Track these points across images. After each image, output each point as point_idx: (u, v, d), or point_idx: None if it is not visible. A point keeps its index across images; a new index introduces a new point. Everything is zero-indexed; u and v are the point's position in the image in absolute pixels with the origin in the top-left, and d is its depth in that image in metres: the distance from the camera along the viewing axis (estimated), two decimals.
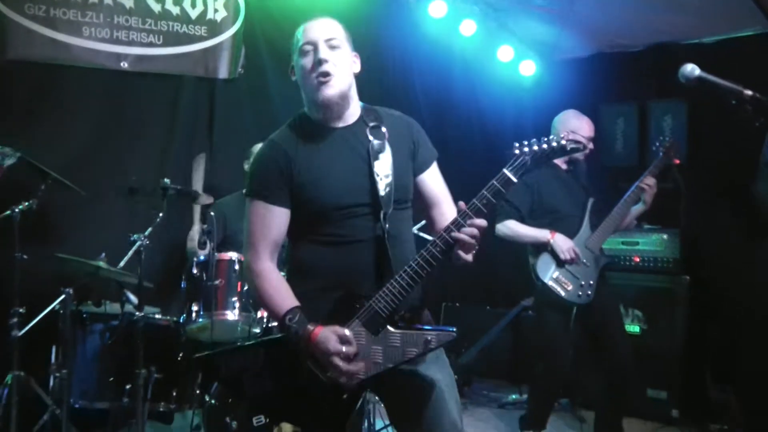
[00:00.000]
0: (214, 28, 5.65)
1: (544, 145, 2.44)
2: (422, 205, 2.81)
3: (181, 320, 4.49)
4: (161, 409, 4.56)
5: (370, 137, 2.66)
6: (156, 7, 5.39)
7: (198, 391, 4.53)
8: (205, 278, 4.39)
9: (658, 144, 4.80)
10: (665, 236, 5.67)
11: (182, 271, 4.58)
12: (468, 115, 7.49)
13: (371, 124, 2.70)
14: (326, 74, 2.59)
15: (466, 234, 2.40)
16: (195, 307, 4.40)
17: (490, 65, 7.10)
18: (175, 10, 5.47)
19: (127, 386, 4.40)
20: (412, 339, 2.45)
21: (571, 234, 4.67)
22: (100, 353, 4.61)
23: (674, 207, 5.18)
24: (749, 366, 5.29)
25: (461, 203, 2.42)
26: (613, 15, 6.39)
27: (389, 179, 2.60)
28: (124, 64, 5.26)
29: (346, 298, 2.52)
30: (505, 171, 2.42)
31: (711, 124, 5.81)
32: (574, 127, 4.81)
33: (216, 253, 4.43)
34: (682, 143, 4.96)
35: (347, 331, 2.44)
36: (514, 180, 2.42)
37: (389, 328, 2.47)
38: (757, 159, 5.39)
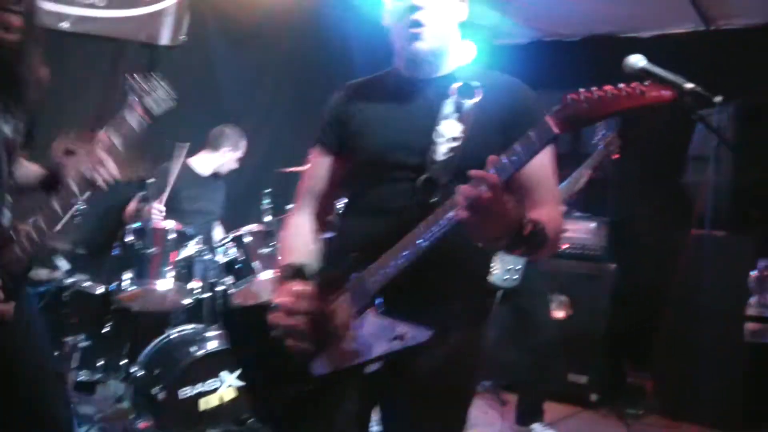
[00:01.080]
0: None
1: (613, 93, 1.70)
2: (517, 196, 2.03)
3: (112, 288, 4.42)
4: (85, 379, 4.50)
5: (453, 93, 2.13)
6: None
7: (125, 361, 4.48)
8: (139, 246, 4.35)
9: (598, 137, 4.87)
10: (593, 224, 5.80)
11: (116, 237, 4.51)
12: None
13: (463, 81, 2.16)
14: (418, 24, 2.12)
15: (465, 193, 1.74)
16: (127, 275, 4.35)
17: None
18: None
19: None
20: (384, 331, 2.00)
21: None
22: None
23: (604, 196, 5.32)
24: (666, 351, 5.49)
25: (491, 156, 1.80)
26: (553, 4, 6.50)
27: (457, 143, 2.07)
28: (65, 24, 5.13)
29: (348, 267, 2.10)
30: (548, 119, 1.77)
31: (642, 117, 5.94)
32: None
33: (152, 221, 4.39)
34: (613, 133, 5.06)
35: (300, 285, 2.10)
36: (556, 131, 1.76)
37: (370, 313, 2.03)
38: (686, 152, 5.60)
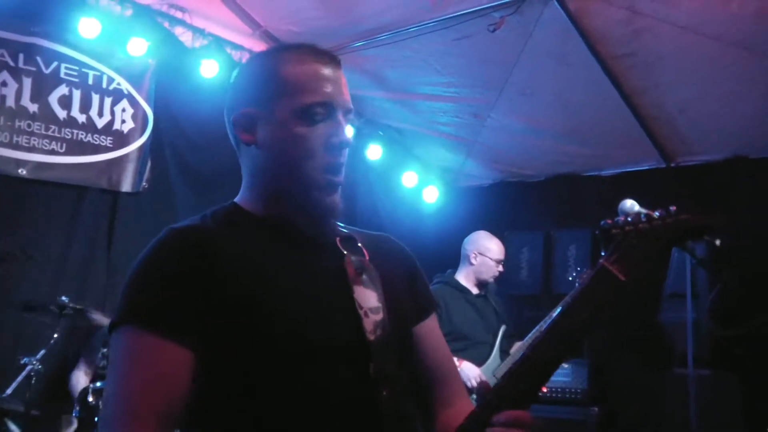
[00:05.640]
0: (121, 139, 5.42)
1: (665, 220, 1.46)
2: (419, 378, 1.73)
3: None
4: None
5: (343, 249, 1.63)
6: (61, 114, 5.12)
7: None
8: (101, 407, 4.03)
9: (575, 274, 4.79)
10: (572, 366, 5.63)
11: (76, 398, 4.20)
12: None
13: (341, 234, 1.68)
14: (340, 169, 1.60)
15: None
16: None
17: (394, 190, 7.09)
18: (81, 118, 5.22)
19: None
20: None
21: (480, 362, 4.56)
22: None
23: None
24: None
25: (483, 379, 1.41)
26: (517, 146, 6.56)
27: (380, 316, 1.56)
28: (23, 171, 4.94)
29: None
30: (607, 265, 1.43)
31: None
32: (483, 248, 4.80)
33: None
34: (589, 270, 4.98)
35: None
36: (622, 279, 1.43)
37: None
38: (661, 291, 5.54)
